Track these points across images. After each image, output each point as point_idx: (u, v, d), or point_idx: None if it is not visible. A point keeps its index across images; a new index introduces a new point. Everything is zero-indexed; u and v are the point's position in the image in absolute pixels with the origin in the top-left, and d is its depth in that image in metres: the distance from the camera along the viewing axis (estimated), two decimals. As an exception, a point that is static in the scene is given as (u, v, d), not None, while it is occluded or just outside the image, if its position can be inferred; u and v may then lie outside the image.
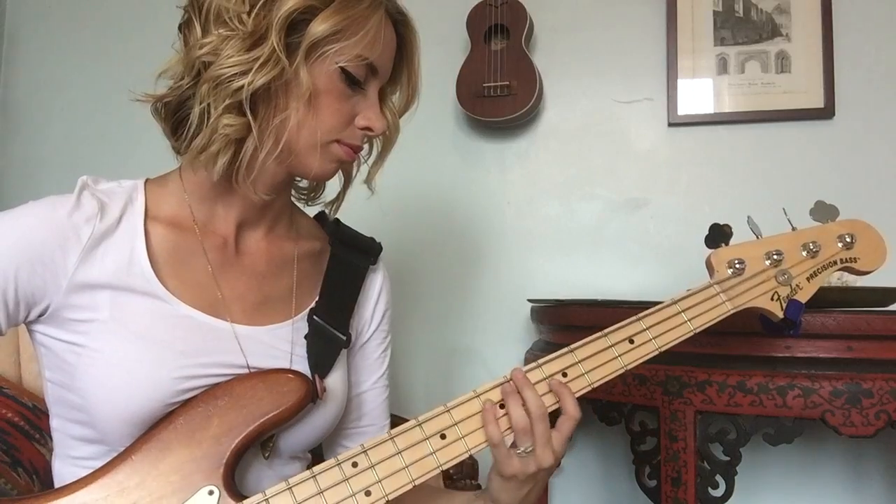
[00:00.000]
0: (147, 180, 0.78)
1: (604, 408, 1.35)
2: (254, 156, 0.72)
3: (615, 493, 1.60)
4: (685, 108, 1.56)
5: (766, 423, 1.05)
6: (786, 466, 1.51)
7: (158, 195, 0.77)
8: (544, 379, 0.74)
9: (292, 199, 0.89)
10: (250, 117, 0.69)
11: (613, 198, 1.61)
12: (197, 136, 0.70)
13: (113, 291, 0.70)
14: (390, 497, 0.67)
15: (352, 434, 0.88)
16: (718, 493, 1.08)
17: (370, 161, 0.85)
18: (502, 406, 0.72)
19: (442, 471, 0.70)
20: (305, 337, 0.79)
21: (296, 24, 0.69)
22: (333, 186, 0.88)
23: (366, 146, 0.83)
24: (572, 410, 0.72)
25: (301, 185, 0.90)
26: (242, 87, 0.67)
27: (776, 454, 1.50)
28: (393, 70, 0.80)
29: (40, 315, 0.70)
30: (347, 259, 0.86)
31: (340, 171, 0.84)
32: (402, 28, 0.78)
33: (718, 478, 1.08)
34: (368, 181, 0.85)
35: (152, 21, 1.84)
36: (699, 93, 1.56)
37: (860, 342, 1.01)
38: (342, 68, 0.71)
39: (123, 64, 1.86)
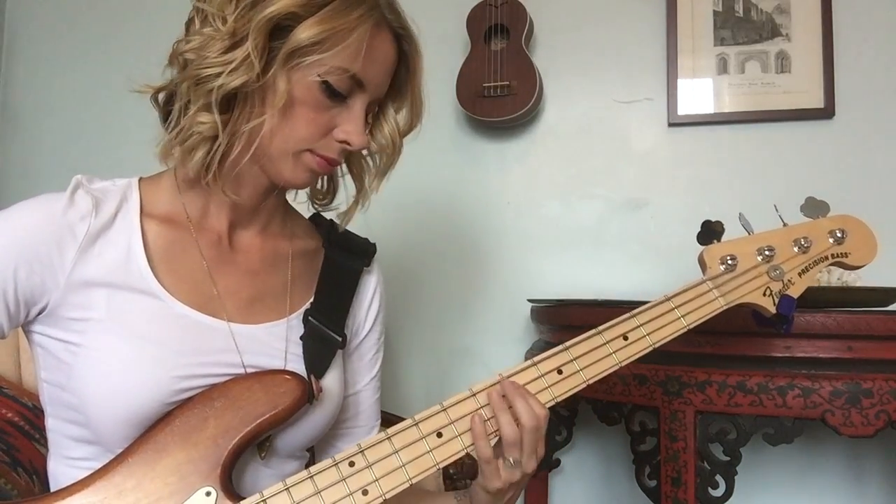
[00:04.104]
0: (141, 178, 0.79)
1: (604, 408, 1.35)
2: (225, 156, 0.72)
3: (615, 493, 1.60)
4: (685, 108, 1.56)
5: (766, 423, 1.05)
6: (786, 466, 1.51)
7: (153, 193, 0.78)
8: (540, 377, 0.74)
9: (288, 199, 0.88)
10: (217, 118, 0.69)
11: (613, 198, 1.61)
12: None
13: (109, 289, 0.70)
14: (387, 496, 0.67)
15: (343, 434, 0.88)
16: (718, 493, 1.07)
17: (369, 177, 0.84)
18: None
19: (440, 470, 0.71)
20: (301, 338, 0.79)
21: (281, 31, 0.69)
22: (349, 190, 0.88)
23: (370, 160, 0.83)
24: (541, 410, 0.71)
25: (317, 186, 0.89)
26: (216, 88, 0.68)
27: (776, 454, 1.50)
28: (399, 86, 0.79)
29: (39, 314, 0.70)
30: (342, 261, 0.87)
31: (355, 185, 0.84)
32: (404, 44, 0.77)
33: (718, 478, 1.08)
34: (368, 193, 0.84)
35: (152, 21, 1.85)
36: (699, 93, 1.55)
37: (860, 342, 1.01)
38: (324, 80, 0.70)
39: (123, 64, 1.86)
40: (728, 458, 1.08)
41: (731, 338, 1.05)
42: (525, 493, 1.55)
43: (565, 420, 1.51)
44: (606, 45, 1.63)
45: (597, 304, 1.30)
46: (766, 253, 0.83)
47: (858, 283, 1.15)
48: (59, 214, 0.70)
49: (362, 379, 0.90)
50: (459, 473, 1.23)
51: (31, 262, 0.68)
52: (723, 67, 1.55)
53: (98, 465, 0.68)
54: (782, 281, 0.83)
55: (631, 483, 1.42)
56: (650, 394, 1.11)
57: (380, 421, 0.92)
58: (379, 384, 0.92)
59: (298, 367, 0.77)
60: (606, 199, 1.61)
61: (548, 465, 1.52)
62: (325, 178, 0.88)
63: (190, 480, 0.66)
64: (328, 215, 0.91)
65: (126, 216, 0.74)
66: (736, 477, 1.08)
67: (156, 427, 0.68)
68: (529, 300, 1.46)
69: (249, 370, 0.73)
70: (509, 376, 0.73)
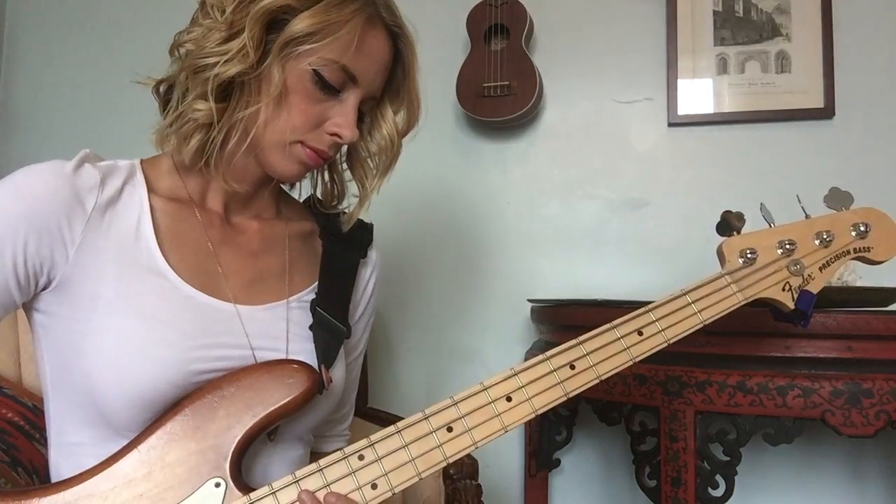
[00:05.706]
0: (141, 160, 0.80)
1: (604, 408, 1.35)
2: (223, 145, 0.74)
3: (615, 493, 1.60)
4: (685, 108, 1.56)
5: (766, 423, 1.05)
6: (786, 466, 1.51)
7: (154, 173, 0.79)
8: (552, 371, 0.72)
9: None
10: (213, 105, 0.71)
11: (613, 198, 1.61)
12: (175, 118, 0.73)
13: (117, 267, 0.70)
14: (396, 490, 0.67)
15: None
16: (718, 493, 1.08)
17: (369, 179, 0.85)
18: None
19: (443, 469, 0.70)
20: (311, 328, 0.79)
21: (277, 23, 0.71)
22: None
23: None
24: None
25: (328, 189, 0.90)
26: (213, 76, 0.70)
27: (776, 454, 1.50)
28: (397, 87, 0.81)
29: (45, 288, 0.70)
30: (341, 251, 0.87)
31: (358, 188, 0.85)
32: (399, 43, 0.79)
33: (718, 478, 1.08)
34: (370, 194, 0.85)
35: (152, 21, 1.85)
36: (699, 93, 1.56)
37: (860, 342, 1.01)
38: (315, 70, 0.72)
39: (123, 64, 1.86)
40: (728, 458, 1.08)
41: (731, 338, 1.05)
42: (525, 492, 1.55)
43: (565, 420, 1.51)
44: (607, 44, 1.63)
45: (596, 304, 1.30)
46: (787, 246, 0.80)
47: (858, 283, 1.15)
48: (68, 183, 0.69)
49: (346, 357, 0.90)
50: (459, 473, 1.23)
51: (40, 233, 0.68)
52: (723, 67, 1.55)
53: (103, 449, 0.68)
54: (802, 276, 0.80)
55: (631, 483, 1.42)
56: (650, 394, 1.11)
57: (353, 397, 0.95)
58: (359, 363, 0.94)
59: (301, 347, 0.77)
60: (606, 199, 1.61)
61: (548, 465, 1.52)
62: (332, 180, 0.89)
63: (199, 471, 0.66)
64: None
65: (133, 191, 0.75)
66: (736, 477, 1.08)
67: (165, 416, 0.68)
68: (529, 300, 1.46)
69: (256, 352, 0.74)
70: (520, 371, 0.72)
